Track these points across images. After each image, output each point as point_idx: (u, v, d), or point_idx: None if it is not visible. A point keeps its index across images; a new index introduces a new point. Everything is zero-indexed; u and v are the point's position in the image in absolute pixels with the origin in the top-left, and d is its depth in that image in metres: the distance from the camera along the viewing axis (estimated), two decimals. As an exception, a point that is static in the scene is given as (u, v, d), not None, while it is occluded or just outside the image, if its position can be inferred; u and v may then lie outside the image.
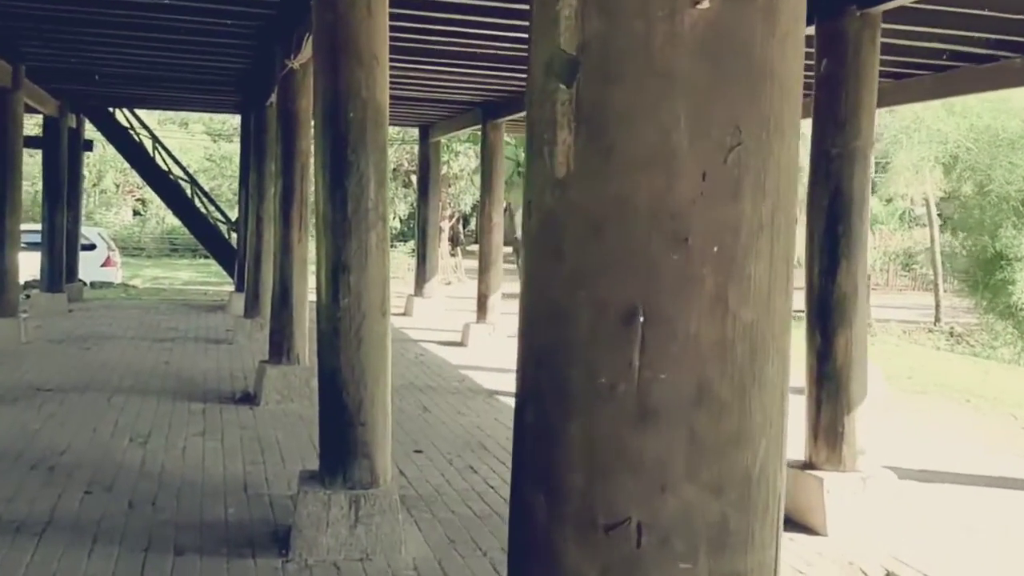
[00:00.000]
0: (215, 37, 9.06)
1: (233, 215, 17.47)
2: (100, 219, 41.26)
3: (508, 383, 9.31)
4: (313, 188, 4.57)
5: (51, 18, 8.58)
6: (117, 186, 44.20)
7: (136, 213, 44.40)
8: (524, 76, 10.02)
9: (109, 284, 19.32)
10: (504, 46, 8.43)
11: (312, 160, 8.03)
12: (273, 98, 10.43)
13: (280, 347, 7.90)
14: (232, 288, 14.86)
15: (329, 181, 4.47)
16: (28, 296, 14.75)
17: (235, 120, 42.70)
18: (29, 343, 10.52)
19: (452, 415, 7.77)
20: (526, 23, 1.18)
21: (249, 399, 7.86)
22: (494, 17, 7.29)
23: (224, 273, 16.37)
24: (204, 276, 25.81)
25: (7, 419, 6.85)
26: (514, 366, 1.24)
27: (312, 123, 7.98)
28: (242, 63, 10.02)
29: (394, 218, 38.34)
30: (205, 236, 16.24)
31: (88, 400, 7.64)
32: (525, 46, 1.21)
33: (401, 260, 32.41)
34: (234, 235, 16.36)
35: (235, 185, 39.15)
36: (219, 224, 16.51)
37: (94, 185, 43.67)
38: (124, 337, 11.50)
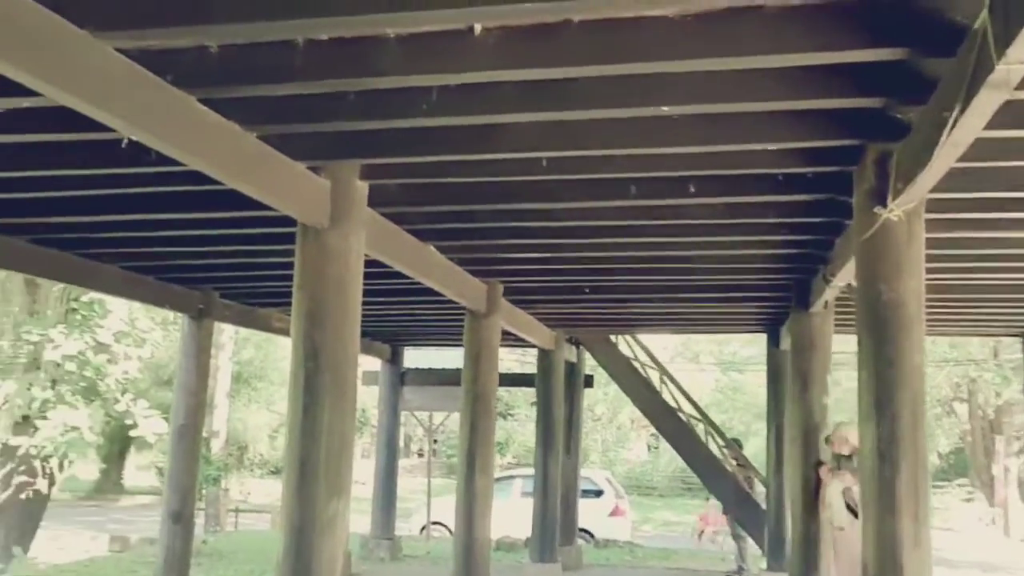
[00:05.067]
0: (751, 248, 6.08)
1: (755, 460, 13.95)
2: (614, 456, 40.65)
3: None
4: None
5: (527, 231, 6.27)
6: (632, 421, 43.77)
7: (650, 448, 43.29)
8: None
9: (615, 541, 16.67)
10: None
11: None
12: (827, 296, 7.00)
13: None
14: (763, 566, 11.07)
15: None
16: (523, 560, 12.48)
17: (746, 349, 40.63)
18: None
19: None
20: None
21: None
22: None
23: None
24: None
25: None
26: None
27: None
28: (780, 250, 6.77)
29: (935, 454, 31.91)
30: (721, 488, 12.83)
31: None
32: None
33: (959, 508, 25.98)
34: (758, 485, 12.74)
35: (748, 418, 36.10)
36: (739, 475, 13.00)
37: (610, 421, 43.76)
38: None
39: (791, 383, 8.03)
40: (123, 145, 3.69)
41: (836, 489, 6.52)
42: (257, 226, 6.07)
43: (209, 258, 7.39)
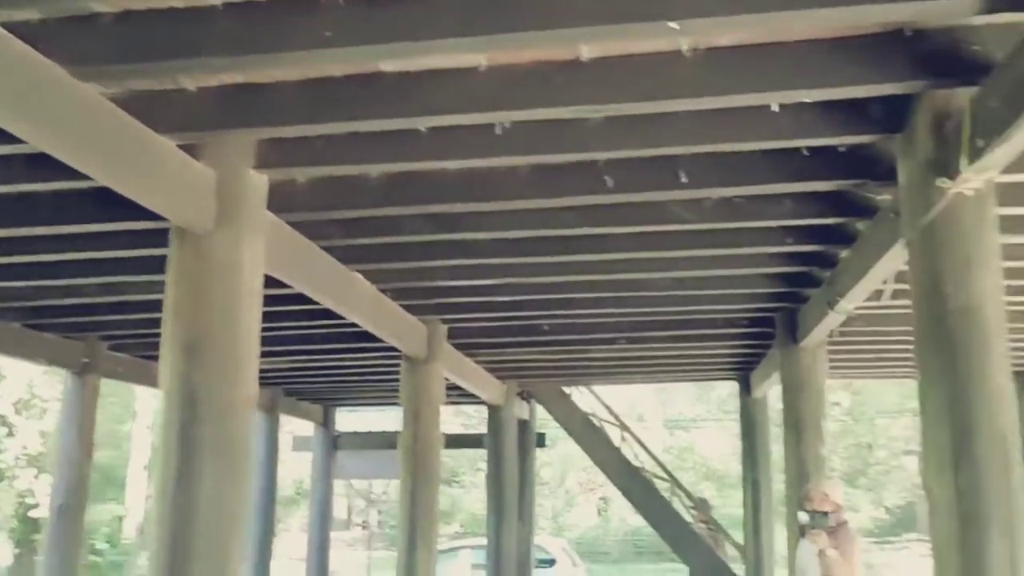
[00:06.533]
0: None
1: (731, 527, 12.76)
2: (563, 522, 39.14)
3: None
4: None
5: (470, 247, 5.12)
6: (580, 484, 42.32)
7: (599, 512, 41.84)
8: None
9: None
10: None
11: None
12: (829, 324, 5.94)
13: None
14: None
15: None
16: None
17: (693, 408, 39.73)
18: None
19: None
20: None
21: None
22: None
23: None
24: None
25: None
26: None
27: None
28: (776, 268, 5.71)
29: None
30: (692, 554, 11.58)
31: None
32: None
33: None
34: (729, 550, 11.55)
35: (696, 478, 34.83)
36: (708, 538, 11.77)
37: (559, 484, 42.22)
38: None
39: (785, 431, 6.91)
40: None
41: (810, 552, 5.29)
42: (138, 244, 4.79)
43: (85, 294, 6.05)
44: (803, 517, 5.35)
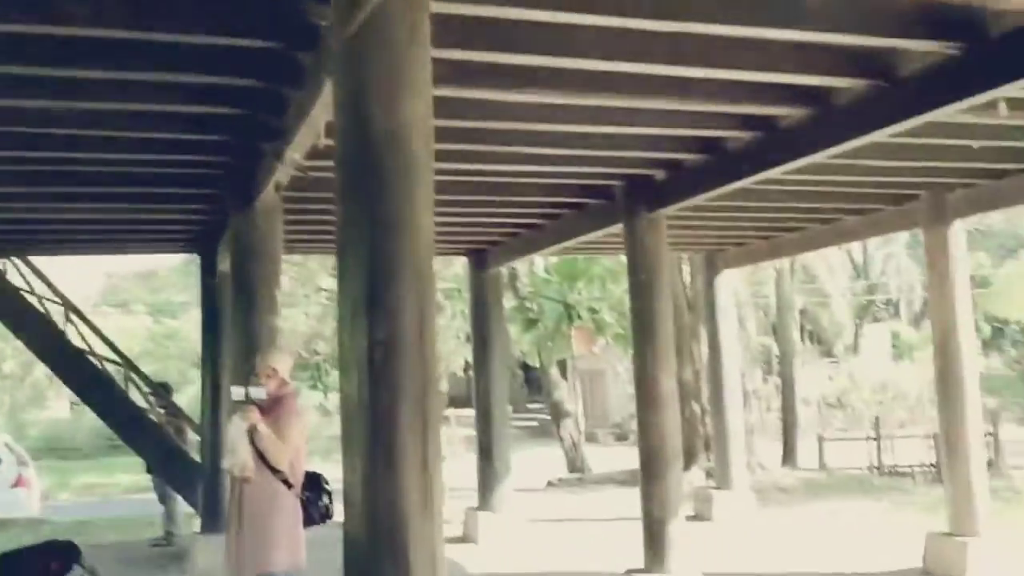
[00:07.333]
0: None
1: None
2: (30, 419, 35.30)
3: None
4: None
5: None
6: (50, 378, 38.31)
7: (73, 405, 38.49)
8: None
9: (15, 520, 13.42)
10: None
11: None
12: (277, 177, 5.35)
13: None
14: (197, 528, 9.24)
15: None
16: None
17: (182, 295, 37.91)
18: None
19: None
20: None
21: None
22: None
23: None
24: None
25: None
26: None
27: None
28: (217, 108, 4.90)
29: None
30: (143, 444, 10.63)
31: None
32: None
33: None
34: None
35: (184, 367, 33.33)
36: (169, 426, 10.89)
37: (22, 379, 37.81)
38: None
39: (233, 304, 6.26)
40: None
41: (240, 429, 4.75)
42: None
43: None
44: (236, 392, 4.74)
